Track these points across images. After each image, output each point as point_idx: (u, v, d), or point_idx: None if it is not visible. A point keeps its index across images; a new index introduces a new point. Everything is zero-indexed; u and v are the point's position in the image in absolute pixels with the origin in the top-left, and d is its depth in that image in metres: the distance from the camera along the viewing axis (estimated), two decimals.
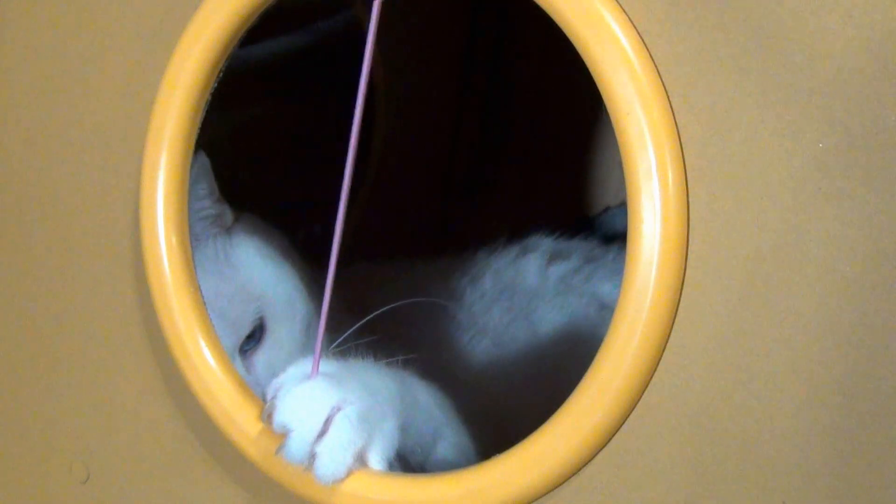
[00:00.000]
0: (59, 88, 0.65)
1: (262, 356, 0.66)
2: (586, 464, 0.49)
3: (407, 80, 0.99)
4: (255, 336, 0.66)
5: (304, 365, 0.54)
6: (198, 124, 0.59)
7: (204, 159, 0.63)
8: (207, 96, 0.58)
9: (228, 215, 0.69)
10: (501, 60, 1.09)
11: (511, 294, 0.84)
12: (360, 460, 0.52)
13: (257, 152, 0.91)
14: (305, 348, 0.67)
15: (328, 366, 0.54)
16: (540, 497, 0.50)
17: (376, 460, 0.52)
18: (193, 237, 0.64)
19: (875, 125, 0.42)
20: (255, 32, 0.58)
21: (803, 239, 0.44)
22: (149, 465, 0.65)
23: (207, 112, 0.59)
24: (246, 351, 0.65)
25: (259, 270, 0.69)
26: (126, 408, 0.65)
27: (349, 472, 0.51)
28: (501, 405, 0.73)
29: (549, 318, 0.82)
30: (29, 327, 0.69)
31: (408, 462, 0.56)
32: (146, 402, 0.64)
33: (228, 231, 0.69)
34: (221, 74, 0.58)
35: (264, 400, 0.54)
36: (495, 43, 1.09)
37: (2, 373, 0.70)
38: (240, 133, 0.73)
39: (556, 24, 0.48)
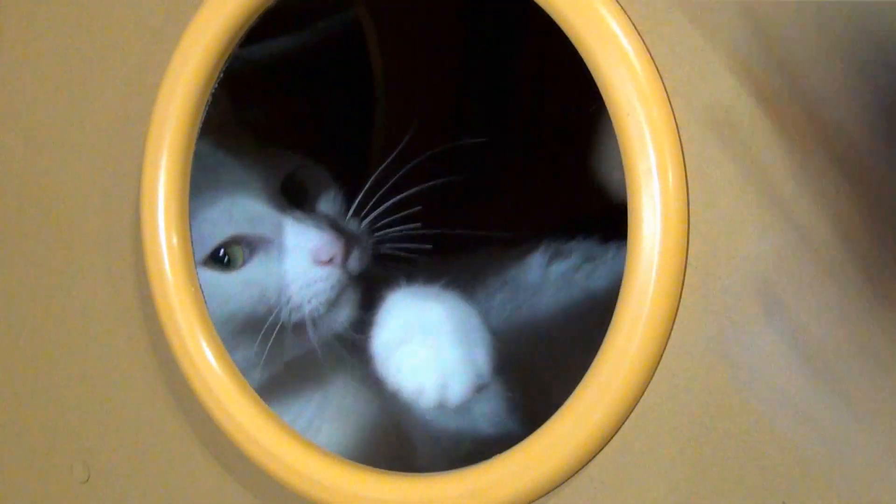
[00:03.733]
0: (59, 88, 0.65)
1: (310, 206, 0.68)
2: (586, 464, 0.49)
3: (407, 79, 0.99)
4: (296, 195, 0.68)
5: None
6: (198, 124, 0.59)
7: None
8: (208, 96, 0.58)
9: (250, 136, 0.71)
10: (501, 60, 1.09)
11: (514, 288, 0.86)
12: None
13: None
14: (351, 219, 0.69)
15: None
16: (540, 497, 0.50)
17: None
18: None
19: (875, 125, 0.42)
20: (255, 32, 0.58)
21: (803, 239, 0.44)
22: (149, 465, 0.65)
23: (207, 112, 0.59)
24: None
25: (291, 155, 0.71)
26: (126, 408, 0.65)
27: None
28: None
29: (553, 312, 0.84)
30: (29, 327, 0.69)
31: None
32: (146, 402, 0.64)
33: None
34: (222, 74, 0.58)
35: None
36: (495, 42, 1.09)
37: (2, 373, 0.70)
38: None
39: (556, 24, 0.48)
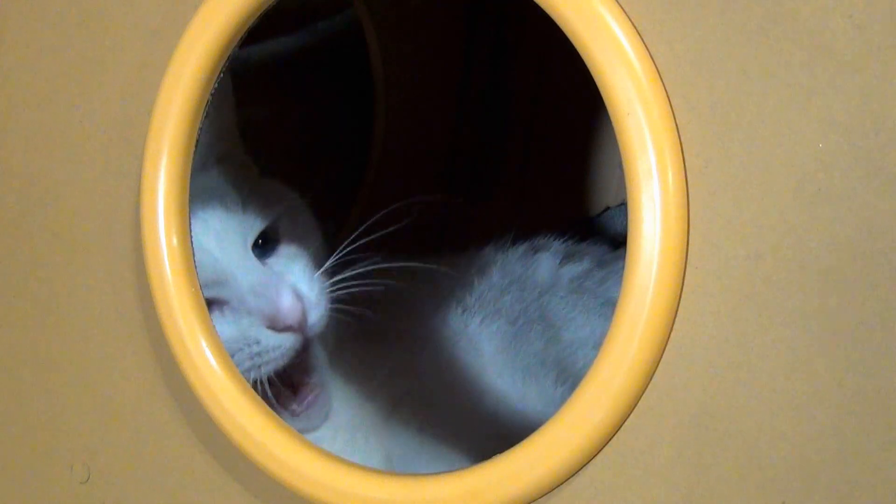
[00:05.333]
0: (60, 88, 0.65)
1: (278, 262, 0.67)
2: (586, 464, 0.49)
3: (407, 80, 0.99)
4: (266, 245, 0.66)
5: None
6: (198, 124, 0.59)
7: (227, 80, 0.63)
8: (208, 97, 0.58)
9: (254, 170, 0.72)
10: (501, 60, 1.09)
11: (521, 286, 0.85)
12: None
13: (257, 153, 0.92)
14: (316, 279, 0.68)
15: None
16: (540, 497, 0.50)
17: None
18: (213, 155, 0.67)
19: (875, 125, 0.42)
20: (255, 32, 0.58)
21: (803, 239, 0.44)
22: (149, 465, 0.65)
23: (207, 113, 0.59)
24: (259, 256, 0.66)
25: (287, 194, 0.71)
26: (126, 408, 0.65)
27: None
28: (513, 392, 0.75)
29: (564, 313, 0.83)
30: (29, 327, 0.69)
31: None
32: (146, 402, 0.64)
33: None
34: (222, 75, 0.58)
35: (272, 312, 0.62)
36: (495, 43, 1.09)
37: (2, 373, 0.70)
38: (240, 133, 0.73)
39: (556, 24, 0.48)
